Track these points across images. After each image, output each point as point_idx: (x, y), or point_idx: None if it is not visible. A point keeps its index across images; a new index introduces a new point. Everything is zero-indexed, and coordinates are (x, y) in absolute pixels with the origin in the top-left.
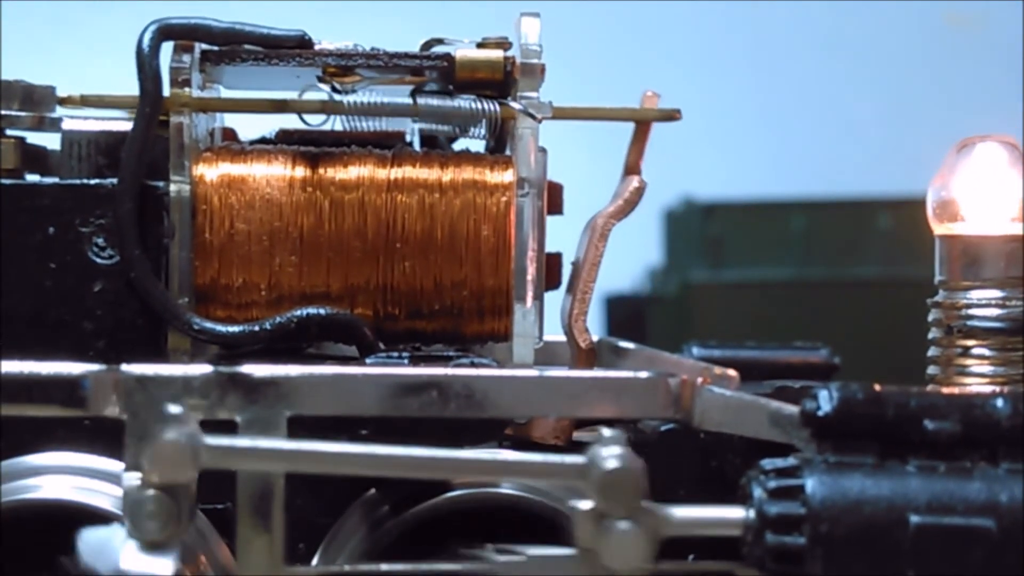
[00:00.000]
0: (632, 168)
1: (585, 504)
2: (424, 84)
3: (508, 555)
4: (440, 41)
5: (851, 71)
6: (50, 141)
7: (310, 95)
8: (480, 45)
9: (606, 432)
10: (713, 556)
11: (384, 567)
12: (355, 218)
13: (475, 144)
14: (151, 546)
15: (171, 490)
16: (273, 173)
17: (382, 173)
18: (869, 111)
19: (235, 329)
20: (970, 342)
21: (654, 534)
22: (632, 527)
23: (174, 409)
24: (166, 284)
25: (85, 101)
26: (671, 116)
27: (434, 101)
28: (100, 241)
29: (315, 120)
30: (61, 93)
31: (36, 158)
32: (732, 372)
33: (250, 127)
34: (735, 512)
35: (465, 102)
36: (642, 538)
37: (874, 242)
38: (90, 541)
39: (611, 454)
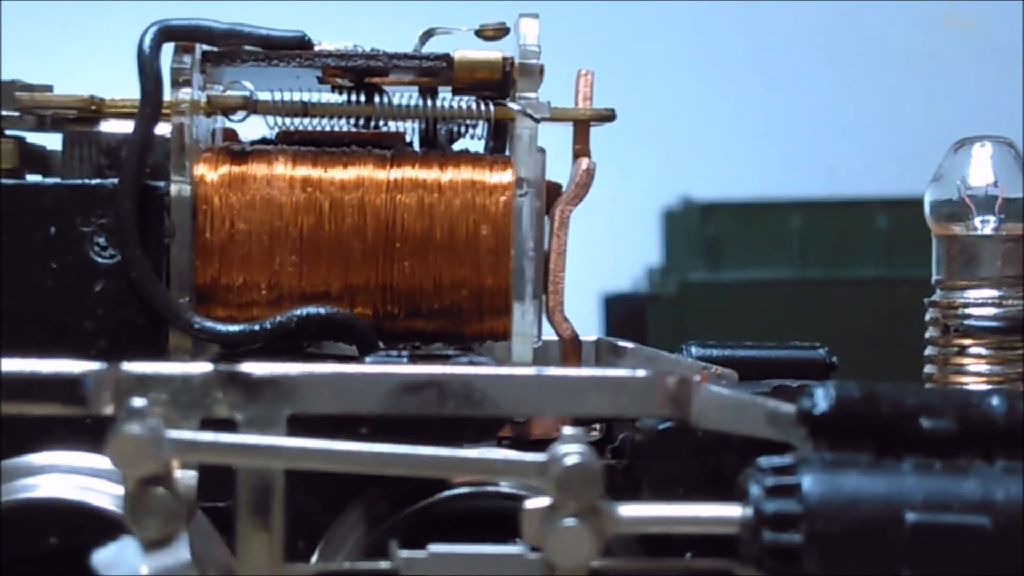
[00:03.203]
0: (580, 152)
1: (536, 502)
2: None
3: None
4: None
5: (849, 72)
6: (53, 141)
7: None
8: (479, 33)
9: (567, 430)
10: (711, 554)
11: (382, 563)
12: (355, 218)
13: (474, 144)
14: (153, 543)
15: (170, 486)
16: (273, 173)
17: (381, 173)
18: (867, 111)
19: (235, 328)
20: (967, 341)
21: (601, 531)
22: (578, 523)
23: (137, 403)
24: (167, 284)
25: (100, 110)
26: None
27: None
28: (101, 241)
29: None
30: (61, 92)
31: (37, 158)
32: (730, 371)
33: (251, 128)
34: (730, 510)
35: (463, 103)
36: (589, 534)
37: (871, 242)
38: (103, 556)
39: (570, 451)
